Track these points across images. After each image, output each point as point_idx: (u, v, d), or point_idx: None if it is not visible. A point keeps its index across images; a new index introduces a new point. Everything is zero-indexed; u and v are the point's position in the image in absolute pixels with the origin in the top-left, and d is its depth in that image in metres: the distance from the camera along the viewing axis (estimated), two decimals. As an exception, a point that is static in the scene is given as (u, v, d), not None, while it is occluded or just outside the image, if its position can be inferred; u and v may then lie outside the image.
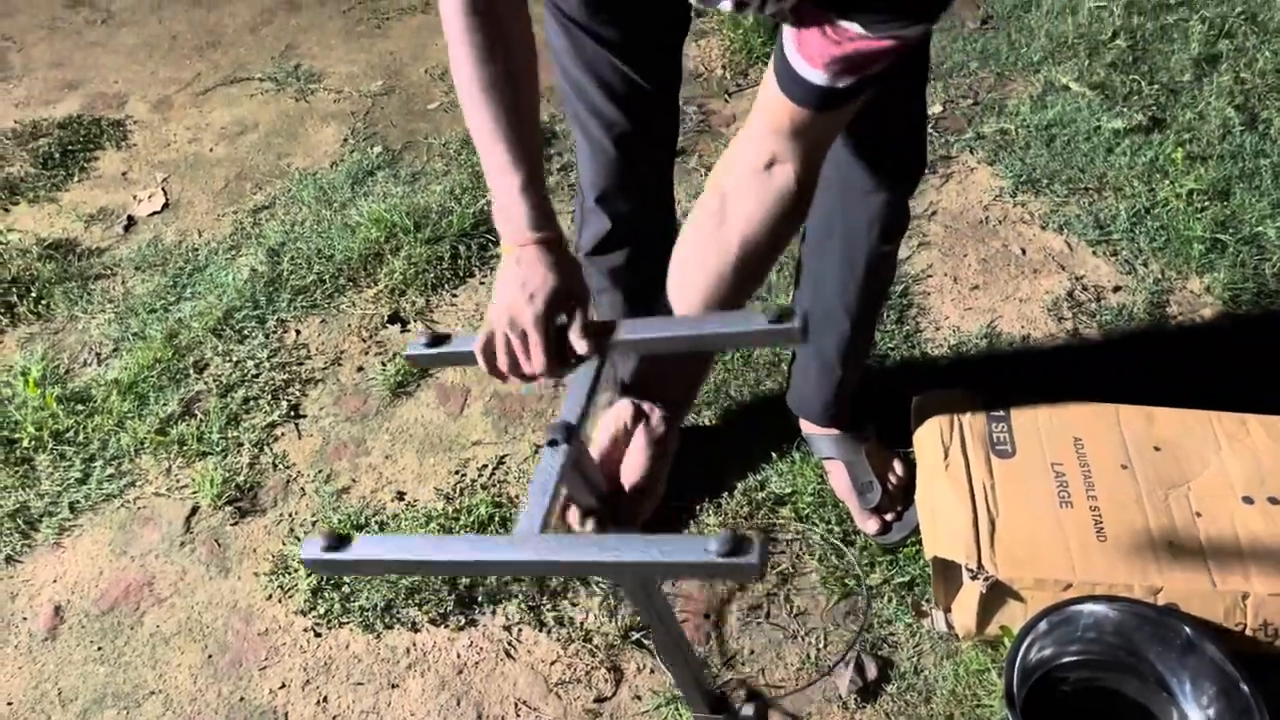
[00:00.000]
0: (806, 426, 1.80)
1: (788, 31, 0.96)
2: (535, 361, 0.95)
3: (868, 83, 0.96)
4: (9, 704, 1.56)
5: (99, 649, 1.62)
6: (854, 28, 0.89)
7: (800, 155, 1.01)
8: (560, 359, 0.96)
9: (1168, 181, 2.29)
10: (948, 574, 1.59)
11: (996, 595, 1.52)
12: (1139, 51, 2.68)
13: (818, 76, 0.95)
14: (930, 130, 2.47)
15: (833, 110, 0.98)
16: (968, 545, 1.53)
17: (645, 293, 1.54)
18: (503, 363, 0.96)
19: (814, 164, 1.03)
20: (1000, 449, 1.66)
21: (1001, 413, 1.71)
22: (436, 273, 2.19)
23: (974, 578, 1.51)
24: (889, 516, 1.72)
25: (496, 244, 2.25)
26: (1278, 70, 2.57)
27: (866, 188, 1.42)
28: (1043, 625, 1.46)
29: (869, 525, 1.71)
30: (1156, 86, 2.55)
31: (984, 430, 1.69)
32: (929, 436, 1.71)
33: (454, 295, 2.17)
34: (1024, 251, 2.19)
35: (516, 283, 0.95)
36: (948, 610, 1.60)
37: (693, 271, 1.02)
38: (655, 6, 1.31)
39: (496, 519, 1.74)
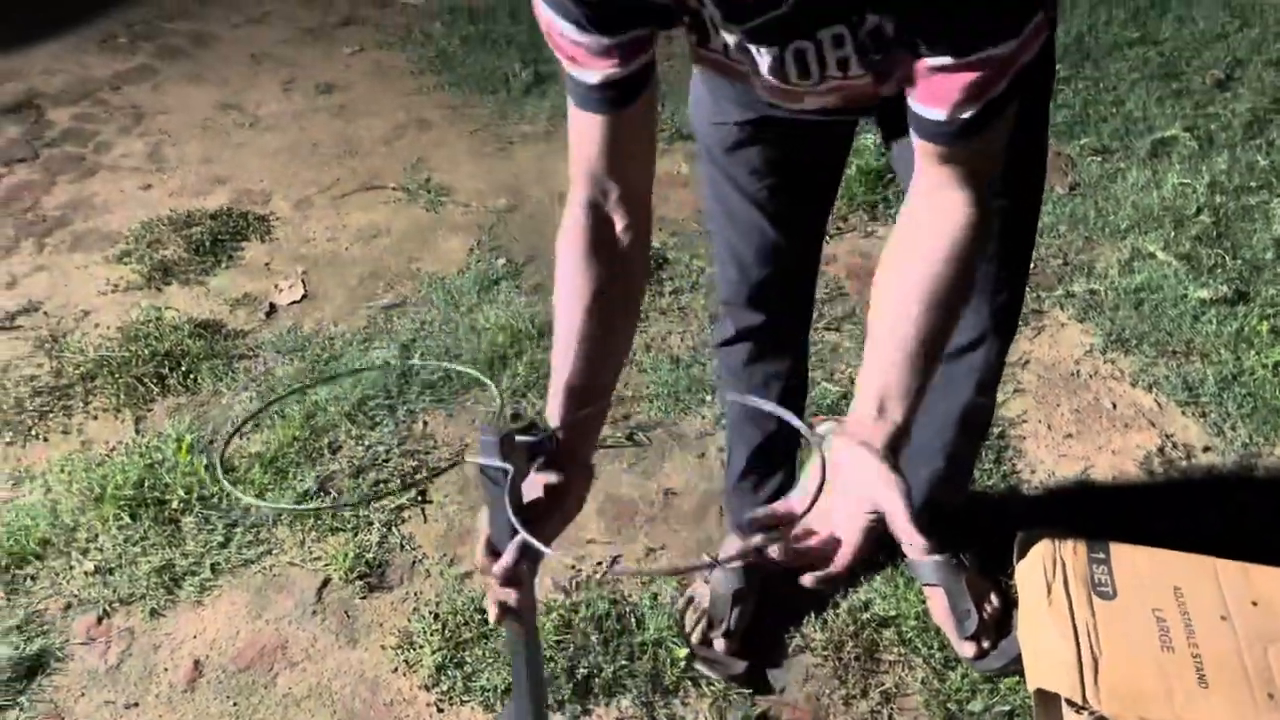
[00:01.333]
0: (909, 551, 1.89)
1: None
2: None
3: (996, 105, 0.97)
4: (148, 749, 1.65)
5: (234, 704, 1.71)
6: (942, 60, 0.94)
7: (962, 180, 1.03)
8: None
9: (1253, 352, 2.40)
10: (1049, 707, 1.65)
11: (1100, 731, 1.58)
12: (1222, 228, 2.83)
13: (938, 114, 0.98)
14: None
15: (972, 138, 1.00)
16: (1071, 679, 1.60)
17: (761, 391, 1.67)
18: None
19: (980, 184, 1.04)
20: (1101, 590, 1.74)
21: (1102, 555, 1.79)
22: (556, 379, 2.33)
23: (1077, 711, 1.57)
24: (985, 644, 1.79)
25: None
26: (1358, 256, 2.70)
27: (964, 342, 1.55)
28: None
29: (966, 650, 1.78)
30: (1240, 261, 2.69)
31: (1085, 571, 1.77)
32: (1032, 572, 1.79)
33: (571, 401, 2.30)
34: (1115, 405, 2.30)
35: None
36: (1049, 742, 1.66)
37: (889, 317, 1.04)
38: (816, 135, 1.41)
39: (613, 615, 1.83)
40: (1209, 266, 2.68)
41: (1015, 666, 1.76)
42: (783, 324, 1.67)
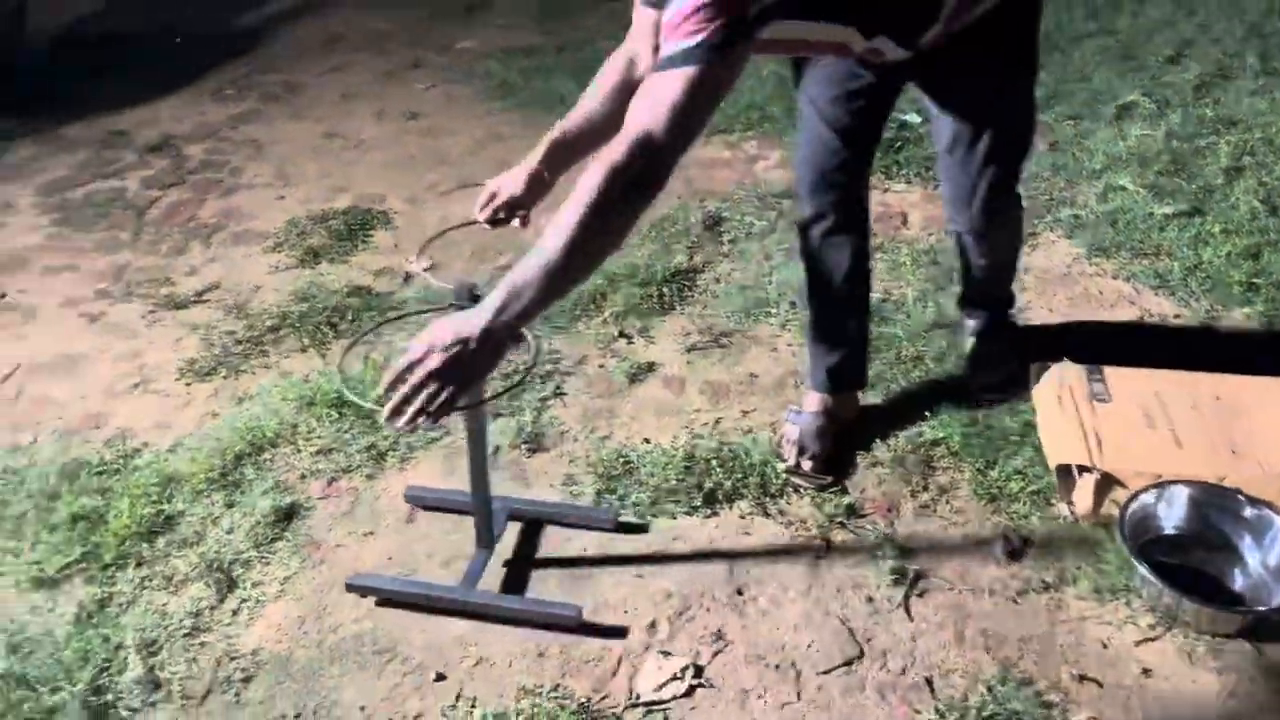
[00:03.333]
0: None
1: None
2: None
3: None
4: (389, 558, 2.18)
5: (446, 527, 2.25)
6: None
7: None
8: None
9: (1209, 249, 2.98)
10: (1066, 481, 2.19)
11: (1105, 484, 2.12)
12: (1179, 164, 3.43)
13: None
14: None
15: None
16: (1081, 452, 2.14)
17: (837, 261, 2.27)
18: None
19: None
20: (1099, 398, 2.28)
21: (1099, 375, 2.34)
22: (648, 305, 2.90)
23: (1089, 472, 2.11)
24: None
25: (688, 292, 2.97)
26: (1291, 174, 3.29)
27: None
28: (1146, 497, 2.05)
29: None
30: (1195, 186, 3.28)
31: (1086, 386, 2.31)
32: (1045, 390, 2.34)
33: (663, 320, 2.87)
34: (1101, 293, 2.86)
35: (516, 173, 1.96)
36: (1069, 502, 2.19)
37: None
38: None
39: (723, 449, 2.36)
40: (1170, 191, 3.26)
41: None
42: (848, 205, 2.24)
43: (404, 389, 1.41)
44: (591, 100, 1.89)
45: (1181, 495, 2.07)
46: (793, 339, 2.75)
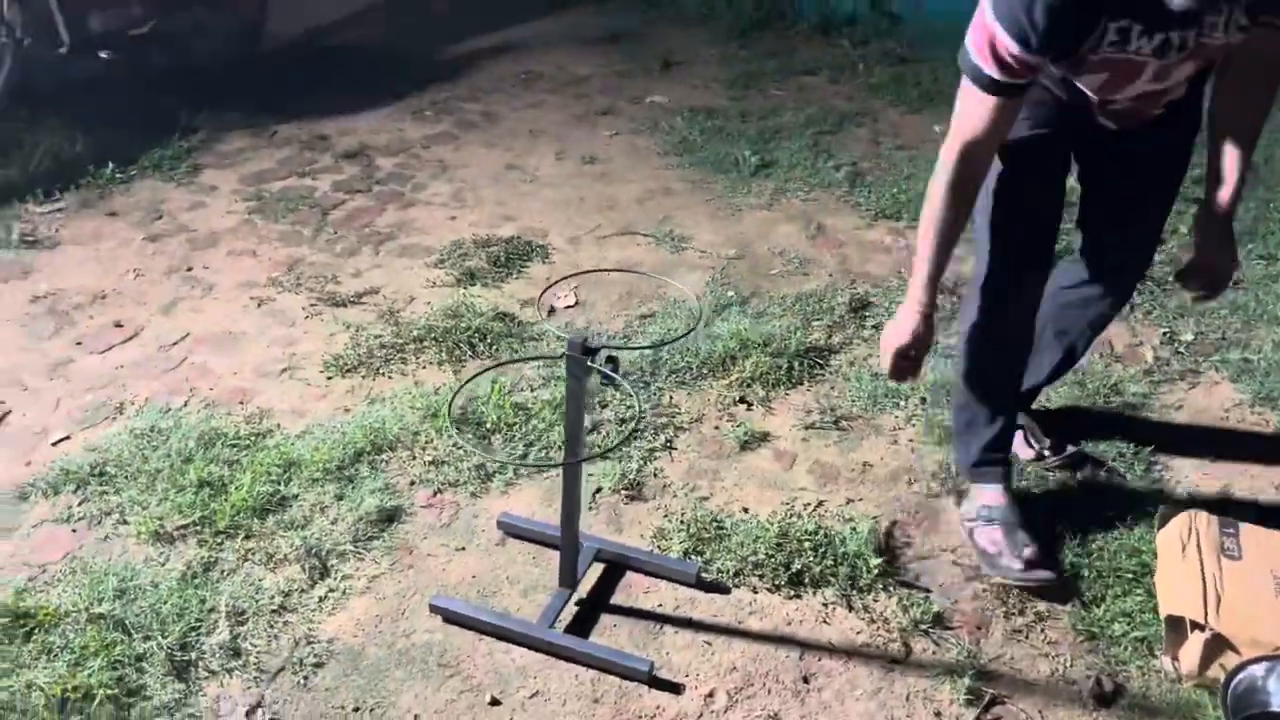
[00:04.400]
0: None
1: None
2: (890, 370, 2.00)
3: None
4: (473, 576, 2.25)
5: (533, 557, 2.30)
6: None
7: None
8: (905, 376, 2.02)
9: (1392, 417, 2.75)
10: (1177, 629, 2.05)
11: (1217, 646, 1.98)
12: (1375, 322, 3.18)
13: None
14: (1182, 350, 3.04)
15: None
16: (1197, 606, 2.01)
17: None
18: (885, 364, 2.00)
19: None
20: (1229, 553, 2.14)
21: (1232, 530, 2.19)
22: (775, 376, 2.89)
23: (1200, 629, 1.98)
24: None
25: (818, 370, 2.95)
26: None
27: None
28: (1256, 669, 1.90)
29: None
30: (1389, 348, 3.03)
31: (1216, 538, 2.17)
32: (1170, 536, 2.21)
33: (787, 394, 2.86)
34: (1256, 445, 2.68)
35: (903, 325, 1.96)
36: (1174, 658, 2.05)
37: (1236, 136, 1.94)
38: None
39: (820, 532, 2.33)
40: (1360, 348, 3.03)
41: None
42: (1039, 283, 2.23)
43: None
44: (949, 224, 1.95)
45: (1298, 673, 1.91)
46: (915, 434, 2.69)
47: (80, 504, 2.41)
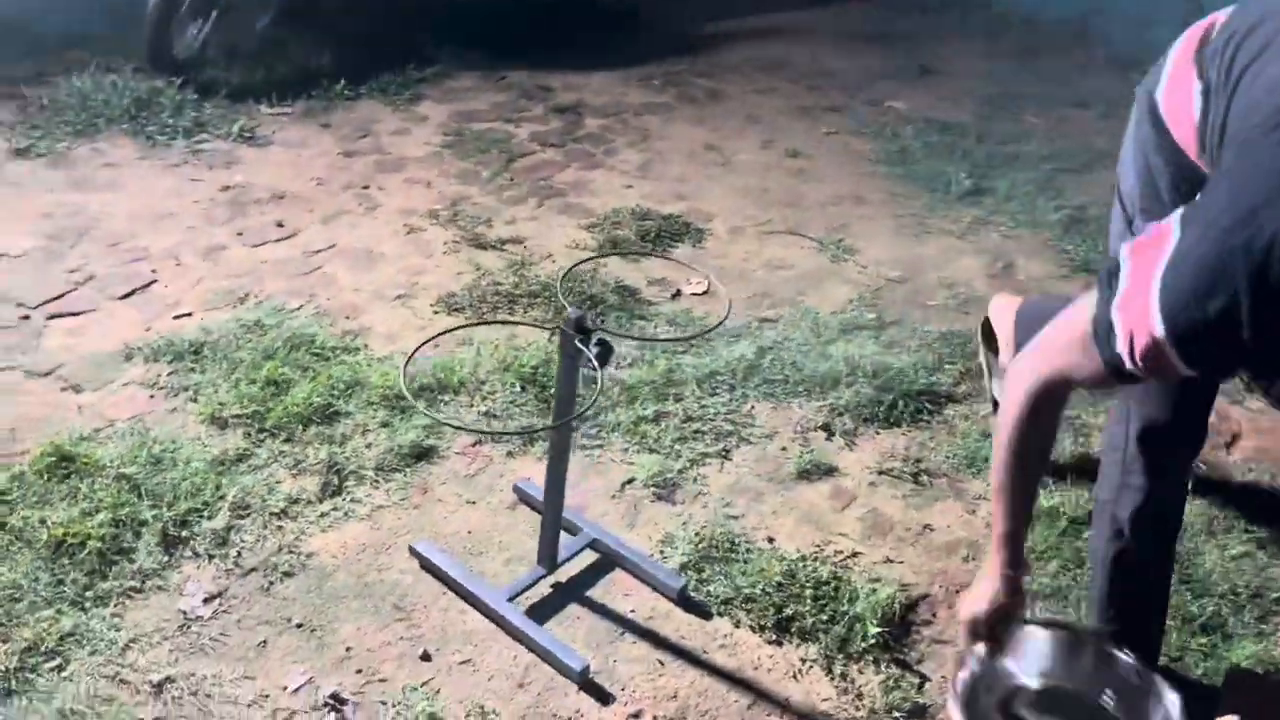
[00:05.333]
0: None
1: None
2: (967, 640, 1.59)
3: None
4: (469, 531, 2.24)
5: (532, 529, 2.25)
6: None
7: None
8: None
9: None
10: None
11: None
12: None
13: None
14: None
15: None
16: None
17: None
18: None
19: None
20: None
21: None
22: (872, 411, 2.66)
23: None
24: None
25: (925, 415, 2.68)
26: None
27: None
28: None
29: None
30: None
31: (1289, 719, 1.77)
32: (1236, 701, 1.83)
33: (877, 432, 2.62)
34: None
35: (982, 590, 1.53)
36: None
37: None
38: None
39: (831, 582, 2.12)
40: None
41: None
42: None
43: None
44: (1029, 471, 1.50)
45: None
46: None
47: (168, 375, 2.61)
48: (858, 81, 4.95)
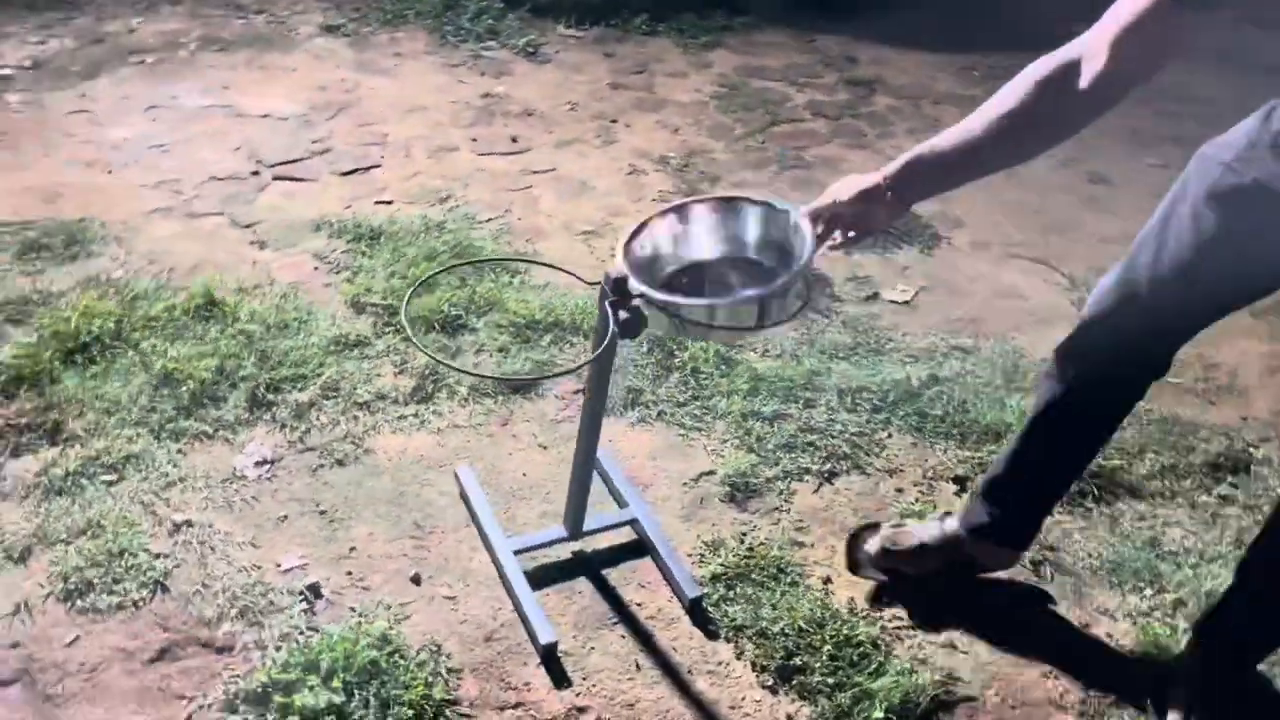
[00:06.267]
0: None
1: None
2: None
3: None
4: (524, 475, 2.17)
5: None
6: None
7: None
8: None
9: None
10: None
11: None
12: None
13: None
14: None
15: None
16: None
17: None
18: None
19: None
20: None
21: None
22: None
23: None
24: None
25: (1091, 506, 2.25)
26: None
27: None
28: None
29: None
30: None
31: None
32: None
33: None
34: None
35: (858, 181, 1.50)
36: None
37: None
38: None
39: (864, 646, 1.85)
40: None
41: None
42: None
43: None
44: (981, 115, 1.46)
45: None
46: (1131, 640, 1.96)
47: (340, 253, 2.75)
48: (1226, 114, 4.21)
